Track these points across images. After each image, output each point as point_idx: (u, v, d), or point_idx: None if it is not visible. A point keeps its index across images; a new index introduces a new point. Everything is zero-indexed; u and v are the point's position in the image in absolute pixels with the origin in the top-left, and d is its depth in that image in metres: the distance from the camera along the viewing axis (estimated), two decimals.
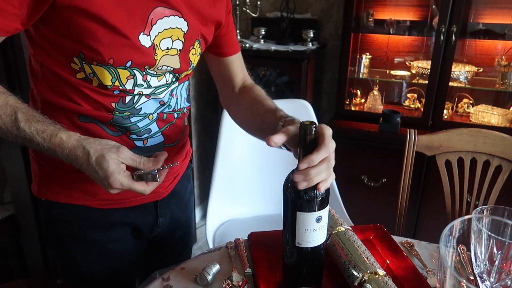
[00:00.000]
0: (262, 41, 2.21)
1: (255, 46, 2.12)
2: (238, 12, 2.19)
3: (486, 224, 0.58)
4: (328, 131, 0.65)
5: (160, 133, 0.83)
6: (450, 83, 1.89)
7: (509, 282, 0.61)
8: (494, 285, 0.63)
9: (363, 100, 2.19)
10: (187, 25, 0.76)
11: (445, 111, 1.95)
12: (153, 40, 0.72)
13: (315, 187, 0.64)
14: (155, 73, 0.76)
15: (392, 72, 2.12)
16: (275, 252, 0.85)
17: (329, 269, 0.80)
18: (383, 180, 1.95)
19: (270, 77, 2.23)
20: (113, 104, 0.75)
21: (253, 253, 0.86)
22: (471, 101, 2.02)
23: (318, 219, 0.67)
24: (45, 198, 0.84)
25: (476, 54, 2.00)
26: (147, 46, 0.71)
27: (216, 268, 0.81)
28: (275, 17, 2.30)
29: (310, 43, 2.13)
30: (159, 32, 0.72)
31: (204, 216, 2.38)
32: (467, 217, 0.53)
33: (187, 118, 0.95)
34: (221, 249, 0.91)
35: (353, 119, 2.06)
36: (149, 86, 0.76)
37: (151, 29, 0.71)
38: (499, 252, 0.60)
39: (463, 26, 1.85)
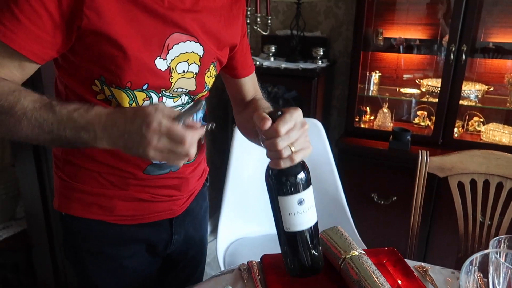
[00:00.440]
0: (272, 58, 2.24)
1: (266, 63, 2.15)
2: (249, 30, 2.22)
3: (505, 256, 0.58)
4: (292, 108, 0.65)
5: None
6: (460, 102, 1.89)
7: None
8: None
9: (372, 118, 2.20)
10: (203, 50, 0.78)
11: (455, 129, 1.95)
12: (169, 63, 0.74)
13: (295, 171, 0.64)
14: (170, 95, 0.78)
15: (402, 90, 2.13)
16: (288, 276, 0.85)
17: None
18: (393, 198, 1.94)
19: (279, 91, 2.25)
20: None
21: (267, 276, 0.86)
22: (481, 120, 2.01)
23: (300, 202, 0.66)
24: (65, 212, 0.86)
25: (486, 72, 2.00)
26: (163, 70, 0.73)
27: None
28: (285, 34, 2.33)
29: (320, 61, 2.15)
30: (175, 56, 0.74)
31: (213, 231, 2.38)
32: (486, 251, 0.53)
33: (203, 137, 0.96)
34: (234, 271, 0.91)
35: (362, 137, 2.06)
36: None
37: (168, 53, 0.73)
38: None
39: (473, 45, 1.86)
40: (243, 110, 0.98)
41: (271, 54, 2.24)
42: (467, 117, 2.04)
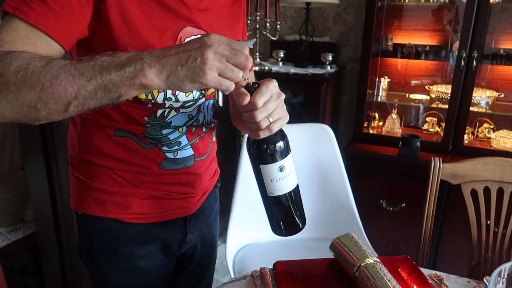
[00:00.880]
0: (280, 63, 2.24)
1: (274, 68, 2.15)
2: (258, 35, 2.23)
3: None
4: (267, 79, 0.67)
5: (189, 146, 0.86)
6: (471, 108, 1.88)
7: None
8: None
9: (381, 123, 2.19)
10: None
11: (465, 136, 1.93)
12: None
13: (274, 140, 0.67)
14: None
15: (411, 95, 2.12)
16: (302, 283, 0.84)
17: None
18: (403, 205, 1.92)
19: (285, 96, 2.25)
20: (146, 118, 0.79)
21: (280, 283, 0.86)
22: (491, 126, 2.00)
23: (281, 169, 0.69)
24: (82, 211, 0.87)
25: (496, 79, 1.99)
26: None
27: None
28: (294, 40, 2.34)
29: (329, 66, 2.15)
30: None
31: (220, 235, 2.37)
32: None
33: (214, 134, 0.97)
34: (247, 278, 0.90)
35: (371, 143, 2.05)
36: (177, 101, 0.80)
37: None
38: None
39: (483, 51, 1.85)
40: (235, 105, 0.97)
41: (280, 59, 2.24)
42: (477, 124, 2.02)
